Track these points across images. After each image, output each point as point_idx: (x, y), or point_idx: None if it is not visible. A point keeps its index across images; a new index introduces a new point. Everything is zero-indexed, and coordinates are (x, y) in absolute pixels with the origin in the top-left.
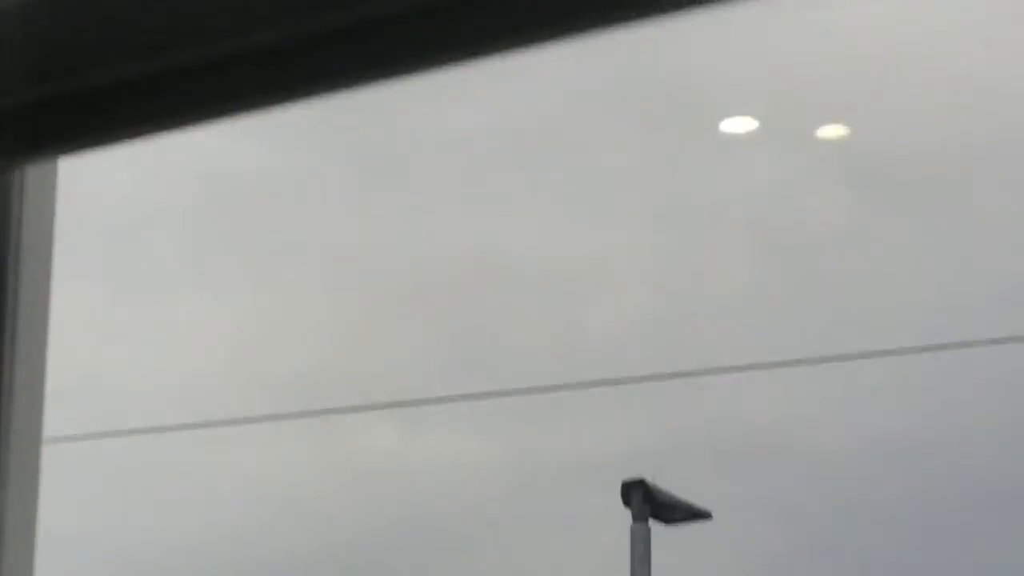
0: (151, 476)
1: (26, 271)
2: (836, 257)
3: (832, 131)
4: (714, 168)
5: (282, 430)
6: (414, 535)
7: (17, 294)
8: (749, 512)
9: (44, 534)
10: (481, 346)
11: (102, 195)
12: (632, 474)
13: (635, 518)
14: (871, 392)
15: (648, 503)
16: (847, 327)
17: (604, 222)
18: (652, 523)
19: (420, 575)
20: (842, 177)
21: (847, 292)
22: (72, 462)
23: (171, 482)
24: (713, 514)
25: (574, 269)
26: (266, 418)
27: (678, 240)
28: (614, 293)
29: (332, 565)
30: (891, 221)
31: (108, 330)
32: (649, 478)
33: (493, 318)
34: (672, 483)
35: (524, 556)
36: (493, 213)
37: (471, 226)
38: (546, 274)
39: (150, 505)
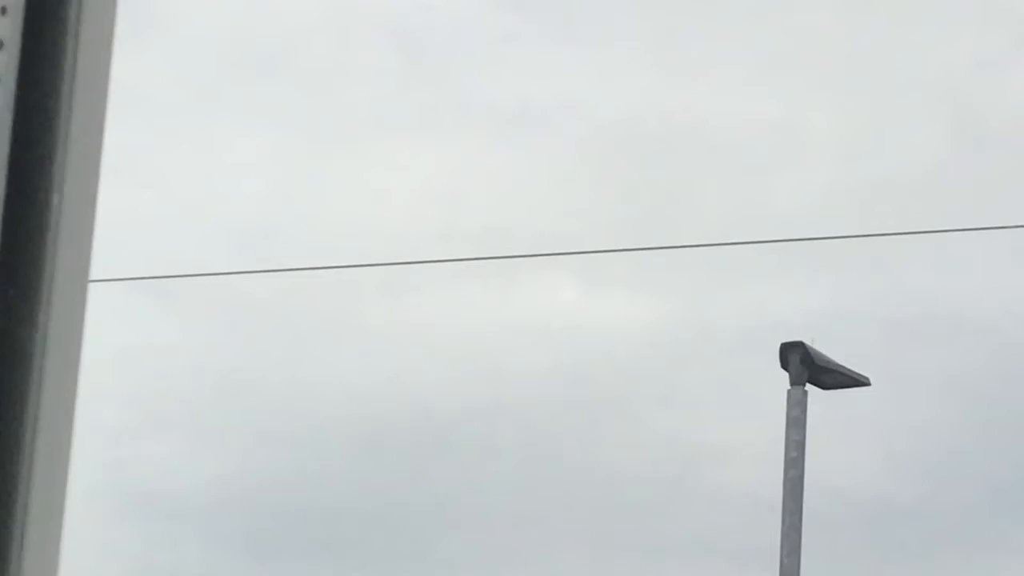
0: (328, 318)
1: (79, 108)
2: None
3: None
4: (907, 36)
5: (463, 281)
6: (585, 389)
7: (69, 132)
8: (911, 382)
9: (236, 366)
10: (666, 205)
11: (296, 46)
12: (802, 337)
13: (792, 381)
14: None
15: (806, 367)
16: None
17: (795, 87)
18: (809, 387)
19: (589, 428)
20: None
21: None
22: (252, 301)
23: (349, 327)
24: (873, 381)
25: (763, 133)
26: (448, 267)
27: (869, 108)
28: (802, 158)
29: (502, 415)
30: None
31: (301, 176)
32: (808, 341)
33: (680, 178)
34: (837, 348)
35: (686, 414)
36: (686, 75)
37: (663, 87)
38: (735, 137)
39: (325, 349)
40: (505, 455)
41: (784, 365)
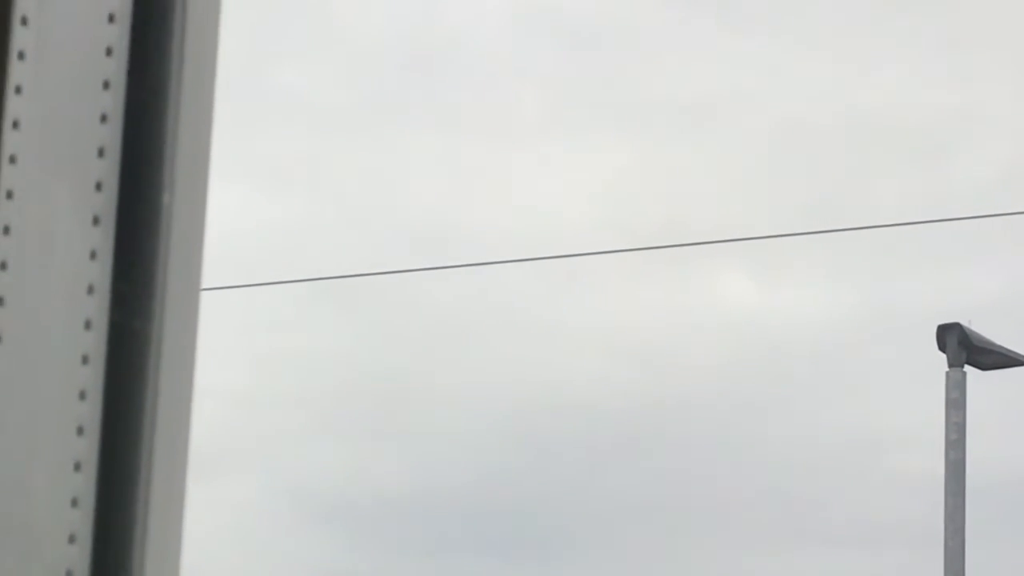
0: (499, 317)
1: (187, 109)
2: None
3: None
4: None
5: (638, 275)
6: (758, 382)
7: (177, 133)
8: None
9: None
10: (842, 194)
11: (464, 44)
12: (976, 322)
13: (950, 363)
14: None
15: (964, 348)
16: None
17: (968, 72)
18: (968, 368)
19: (763, 418)
20: None
21: None
22: (423, 301)
23: (521, 324)
24: None
25: (938, 117)
26: (623, 263)
27: None
28: (978, 141)
29: (676, 408)
30: None
31: (475, 177)
32: (966, 322)
33: (855, 167)
34: (1015, 330)
35: (860, 401)
36: (859, 63)
37: (834, 74)
38: (911, 122)
39: (496, 346)
40: (678, 448)
41: (941, 347)
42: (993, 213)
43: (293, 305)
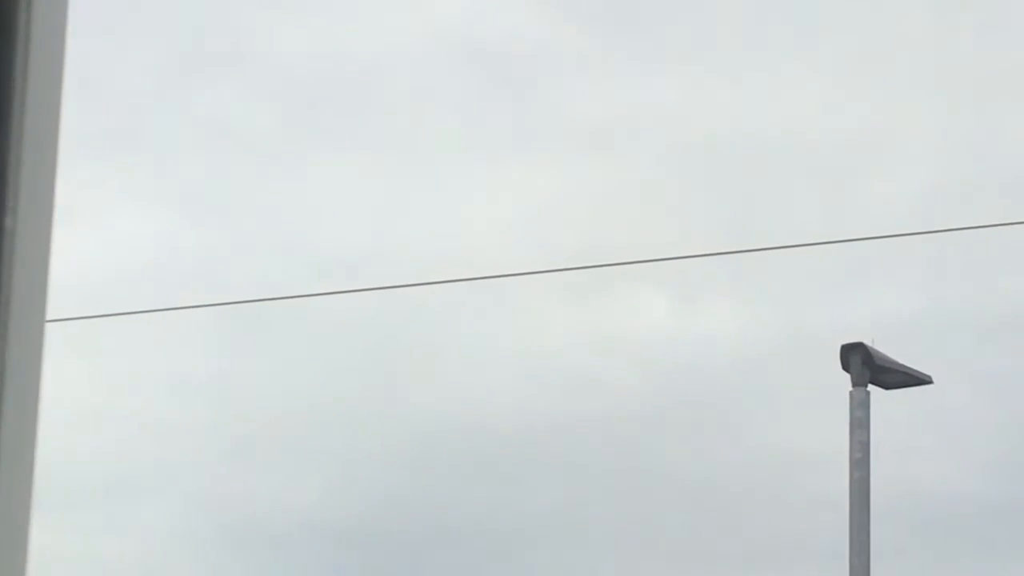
0: (417, 340)
1: (30, 133)
2: None
3: None
4: (993, 37)
5: (553, 298)
6: (675, 400)
7: (21, 156)
8: (980, 381)
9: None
10: (756, 217)
11: (379, 70)
12: (886, 341)
13: (854, 382)
14: None
15: (867, 367)
16: None
17: (882, 93)
18: (872, 388)
19: (679, 439)
20: None
21: None
22: (342, 320)
23: (437, 348)
24: (935, 380)
25: (852, 139)
26: (538, 285)
27: (959, 111)
28: (892, 163)
29: (593, 429)
30: None
31: (388, 199)
32: (869, 342)
33: (769, 191)
34: (927, 350)
35: (773, 421)
36: (772, 86)
37: (744, 97)
38: (825, 144)
39: (413, 370)
40: (594, 470)
41: (845, 367)
42: (903, 233)
43: (206, 330)
